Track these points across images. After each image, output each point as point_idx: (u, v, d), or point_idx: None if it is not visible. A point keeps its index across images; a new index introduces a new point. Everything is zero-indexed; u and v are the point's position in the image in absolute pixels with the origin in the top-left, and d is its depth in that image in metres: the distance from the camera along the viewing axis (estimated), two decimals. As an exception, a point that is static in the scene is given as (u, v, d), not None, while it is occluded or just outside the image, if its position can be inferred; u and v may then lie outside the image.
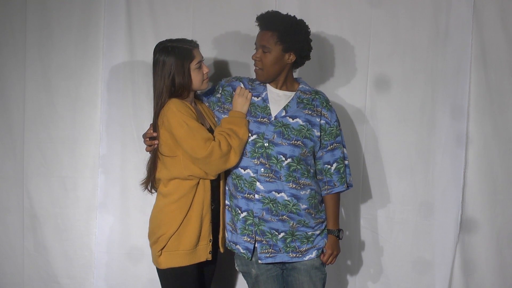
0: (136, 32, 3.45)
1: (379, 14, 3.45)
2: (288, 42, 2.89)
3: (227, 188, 3.02)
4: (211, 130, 2.97)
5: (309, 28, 2.97)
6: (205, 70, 2.95)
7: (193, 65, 2.89)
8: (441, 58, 3.44)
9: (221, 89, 3.07)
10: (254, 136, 2.94)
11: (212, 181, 2.93)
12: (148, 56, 3.41)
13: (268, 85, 3.02)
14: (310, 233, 2.98)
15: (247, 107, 2.97)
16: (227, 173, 3.00)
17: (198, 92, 3.09)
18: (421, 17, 3.44)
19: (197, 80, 2.92)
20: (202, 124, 2.92)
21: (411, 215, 3.52)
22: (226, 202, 3.03)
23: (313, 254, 2.99)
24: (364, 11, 3.45)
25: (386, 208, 3.54)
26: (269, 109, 2.98)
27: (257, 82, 3.04)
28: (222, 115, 3.01)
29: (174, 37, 2.98)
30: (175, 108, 2.83)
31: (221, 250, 3.05)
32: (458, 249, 3.51)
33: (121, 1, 3.43)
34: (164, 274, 2.92)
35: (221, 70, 3.44)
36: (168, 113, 2.84)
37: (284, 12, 2.98)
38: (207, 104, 3.11)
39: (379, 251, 3.56)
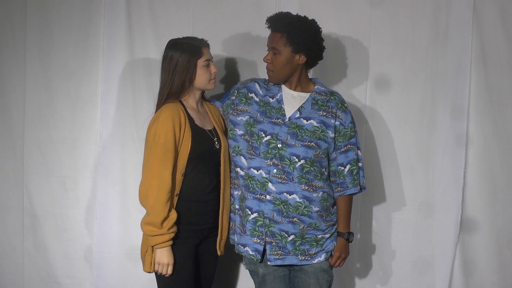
0: (136, 32, 3.45)
1: (379, 14, 3.45)
2: (297, 43, 2.89)
3: (238, 192, 3.01)
4: (214, 131, 2.99)
5: (320, 28, 2.96)
6: (213, 69, 2.95)
7: (201, 61, 2.90)
8: (441, 58, 3.44)
9: (236, 92, 3.07)
10: (268, 137, 2.94)
11: (210, 179, 2.94)
12: (148, 56, 3.43)
13: (283, 86, 3.02)
14: (320, 236, 2.98)
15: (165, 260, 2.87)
16: (237, 176, 2.99)
17: (209, 98, 3.12)
18: (421, 17, 3.44)
19: (204, 78, 2.93)
20: (203, 126, 2.94)
21: (411, 215, 3.52)
22: (236, 206, 3.03)
23: (322, 257, 2.99)
24: (364, 11, 3.45)
25: (386, 208, 3.54)
26: (284, 110, 2.97)
27: (272, 83, 3.04)
28: (237, 118, 3.00)
29: (174, 37, 2.99)
30: (162, 116, 2.84)
31: (219, 253, 3.05)
32: (458, 249, 3.51)
33: (121, 1, 3.43)
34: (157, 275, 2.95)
35: (221, 69, 3.44)
36: (154, 116, 2.88)
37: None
38: (221, 109, 3.10)
39: (379, 251, 3.56)
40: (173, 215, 2.83)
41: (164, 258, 2.83)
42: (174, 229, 2.84)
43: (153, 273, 2.97)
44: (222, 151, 2.99)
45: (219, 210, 2.99)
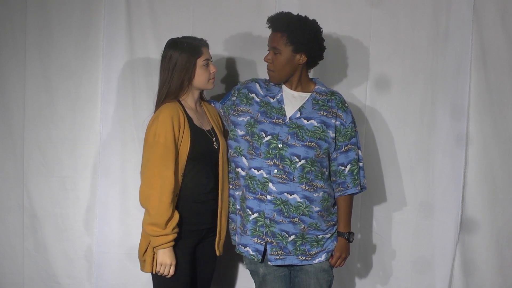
0: (136, 32, 3.45)
1: (379, 14, 3.45)
2: (298, 43, 2.89)
3: (239, 192, 3.01)
4: (213, 131, 2.99)
5: (321, 28, 2.96)
6: (212, 69, 2.95)
7: (200, 61, 2.90)
8: (441, 58, 3.45)
9: (237, 92, 3.07)
10: (269, 137, 2.94)
11: (208, 180, 2.94)
12: (148, 56, 3.44)
13: (283, 86, 3.02)
14: (320, 236, 2.98)
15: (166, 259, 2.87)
16: (237, 176, 2.99)
17: (209, 100, 3.12)
18: (421, 17, 3.44)
19: (203, 78, 2.93)
20: (201, 126, 2.94)
21: (411, 215, 3.52)
22: (237, 206, 3.03)
23: (323, 257, 2.99)
24: (364, 11, 3.45)
25: (386, 208, 3.54)
26: (284, 110, 2.97)
27: (272, 83, 3.04)
28: (238, 119, 3.01)
29: (174, 37, 2.99)
30: (161, 116, 2.84)
31: (217, 253, 3.05)
32: (458, 249, 3.51)
33: (121, 1, 3.43)
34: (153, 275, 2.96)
35: (221, 69, 3.44)
36: (154, 116, 2.88)
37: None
38: (221, 110, 3.10)
39: (379, 251, 3.56)
40: (177, 215, 2.83)
41: (166, 258, 2.83)
42: (177, 229, 2.84)
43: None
44: (221, 152, 2.99)
45: (217, 211, 2.99)
